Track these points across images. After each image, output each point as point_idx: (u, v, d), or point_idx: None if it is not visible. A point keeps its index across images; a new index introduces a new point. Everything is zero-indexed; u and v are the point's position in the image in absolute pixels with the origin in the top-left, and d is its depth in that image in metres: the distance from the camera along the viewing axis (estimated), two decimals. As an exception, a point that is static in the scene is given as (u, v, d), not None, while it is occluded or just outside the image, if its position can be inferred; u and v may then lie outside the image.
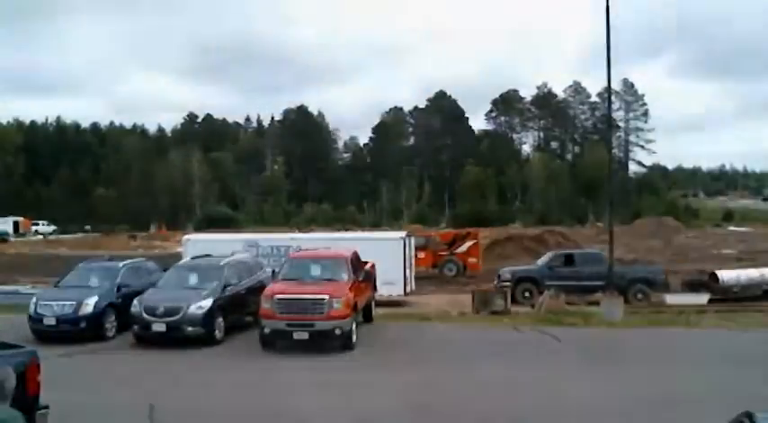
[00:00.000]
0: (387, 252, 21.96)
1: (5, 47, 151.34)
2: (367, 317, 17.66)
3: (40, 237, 74.97)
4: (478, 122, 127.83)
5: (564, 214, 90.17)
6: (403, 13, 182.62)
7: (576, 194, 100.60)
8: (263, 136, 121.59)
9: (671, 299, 22.56)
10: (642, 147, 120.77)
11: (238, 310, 16.64)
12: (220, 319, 15.71)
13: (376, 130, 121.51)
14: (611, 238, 20.37)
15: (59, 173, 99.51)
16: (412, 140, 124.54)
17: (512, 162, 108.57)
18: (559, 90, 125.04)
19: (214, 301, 15.60)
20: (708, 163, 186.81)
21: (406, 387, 11.87)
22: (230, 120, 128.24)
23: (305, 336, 14.50)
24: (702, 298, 22.88)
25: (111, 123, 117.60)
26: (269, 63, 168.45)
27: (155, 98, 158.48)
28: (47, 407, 7.41)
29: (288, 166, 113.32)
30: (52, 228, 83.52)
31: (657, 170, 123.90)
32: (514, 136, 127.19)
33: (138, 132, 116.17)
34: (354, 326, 15.11)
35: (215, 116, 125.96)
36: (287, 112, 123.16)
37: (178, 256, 22.98)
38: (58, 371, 10.19)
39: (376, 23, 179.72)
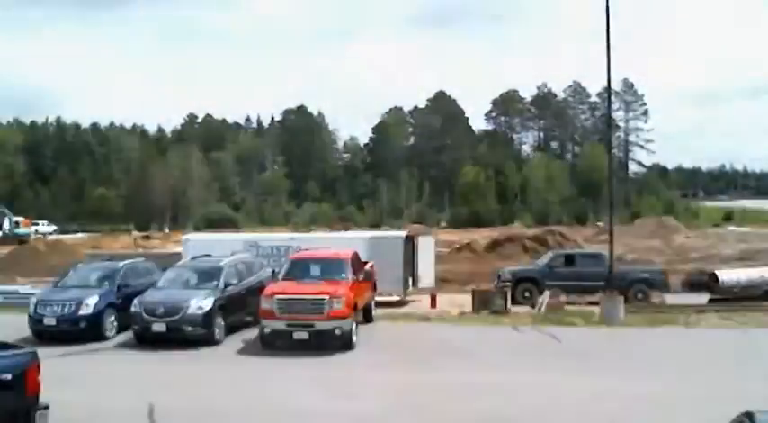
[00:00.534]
0: (388, 251, 21.92)
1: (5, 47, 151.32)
2: (367, 317, 17.66)
3: (41, 237, 74.90)
4: (478, 122, 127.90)
5: (564, 214, 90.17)
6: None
7: (576, 194, 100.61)
8: (263, 136, 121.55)
9: (671, 299, 22.55)
10: (642, 147, 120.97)
11: (238, 310, 16.63)
12: (220, 319, 15.71)
13: (376, 129, 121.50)
14: (611, 238, 20.36)
15: (59, 173, 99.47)
16: (412, 140, 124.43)
17: (511, 162, 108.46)
18: (559, 90, 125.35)
19: (214, 301, 15.60)
20: (708, 163, 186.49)
21: (405, 387, 11.88)
22: (230, 120, 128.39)
23: (305, 336, 14.51)
24: (702, 298, 22.88)
25: (111, 123, 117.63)
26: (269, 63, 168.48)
27: (155, 98, 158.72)
28: (47, 407, 7.42)
29: (288, 166, 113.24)
30: (53, 228, 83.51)
31: (657, 170, 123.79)
32: (514, 136, 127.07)
33: (138, 132, 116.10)
34: (354, 326, 15.11)
35: (215, 116, 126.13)
36: (287, 113, 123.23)
37: (178, 256, 22.96)
38: (57, 371, 10.17)
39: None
